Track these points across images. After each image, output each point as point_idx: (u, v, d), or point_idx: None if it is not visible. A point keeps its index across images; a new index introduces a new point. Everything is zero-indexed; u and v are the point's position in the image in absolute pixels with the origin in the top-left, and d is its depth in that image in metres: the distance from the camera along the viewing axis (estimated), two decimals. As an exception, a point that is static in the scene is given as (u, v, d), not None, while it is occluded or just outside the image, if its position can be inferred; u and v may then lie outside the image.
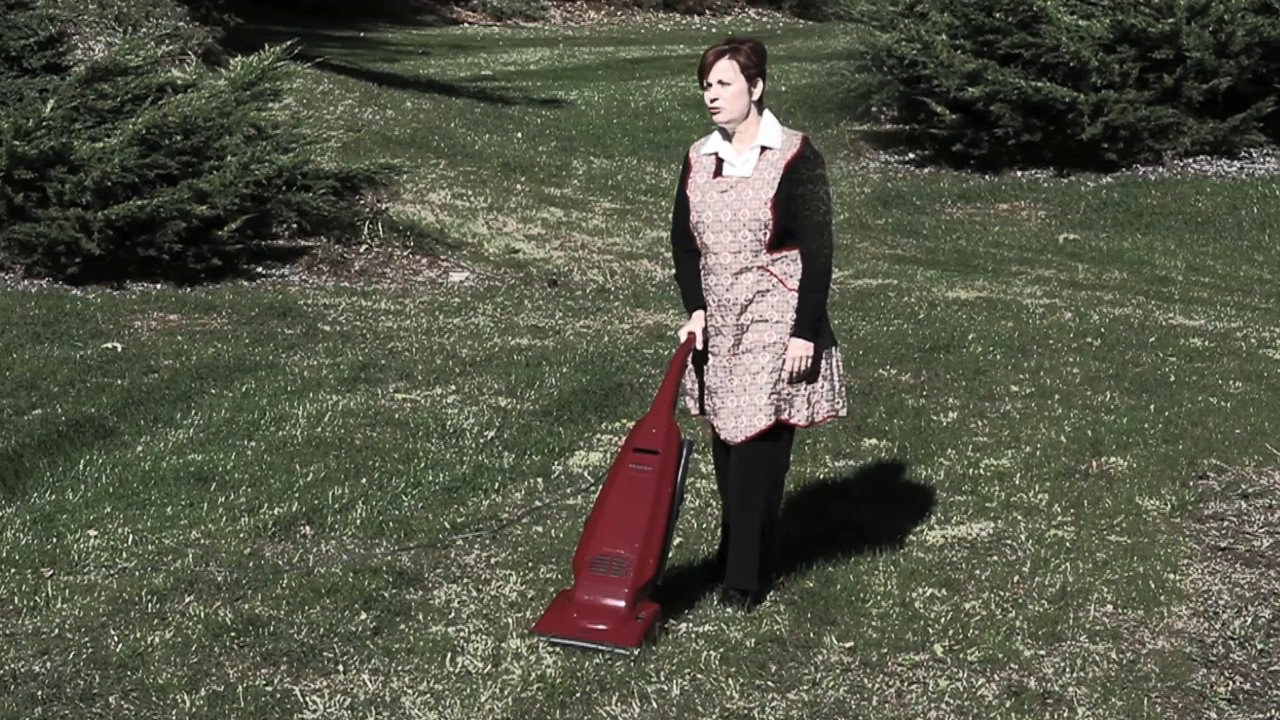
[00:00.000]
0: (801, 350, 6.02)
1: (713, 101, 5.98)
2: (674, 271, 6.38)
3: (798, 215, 5.96)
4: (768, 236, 5.98)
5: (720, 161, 6.08)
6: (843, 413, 6.26)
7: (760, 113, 6.04)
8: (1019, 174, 18.31)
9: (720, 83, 5.97)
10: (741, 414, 6.03)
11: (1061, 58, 17.80)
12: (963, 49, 18.29)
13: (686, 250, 6.17)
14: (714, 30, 33.35)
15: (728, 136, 6.07)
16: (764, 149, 6.01)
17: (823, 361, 6.11)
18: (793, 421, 6.09)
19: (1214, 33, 17.73)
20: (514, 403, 8.97)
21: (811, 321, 6.01)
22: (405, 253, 13.28)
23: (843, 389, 6.24)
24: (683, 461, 5.97)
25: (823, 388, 6.12)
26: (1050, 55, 17.86)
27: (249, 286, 11.99)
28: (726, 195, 6.01)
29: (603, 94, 23.58)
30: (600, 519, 5.88)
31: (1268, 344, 10.83)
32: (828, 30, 30.22)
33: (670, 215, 6.23)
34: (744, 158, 6.04)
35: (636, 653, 5.68)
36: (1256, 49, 17.86)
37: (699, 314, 6.13)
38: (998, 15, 18.19)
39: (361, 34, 29.71)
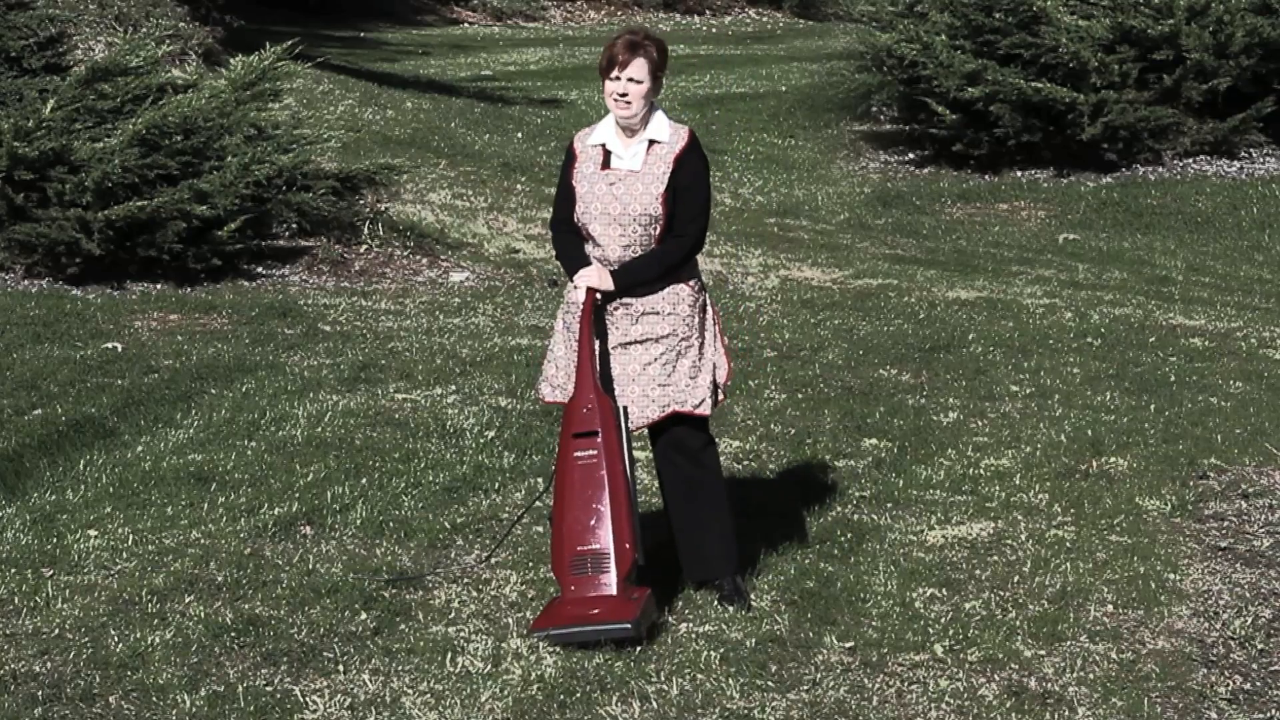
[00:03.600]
0: (598, 280, 5.96)
1: (622, 96, 5.99)
2: (554, 252, 6.28)
3: (679, 204, 5.97)
4: (658, 230, 5.99)
5: (608, 153, 6.07)
6: (708, 407, 6.12)
7: (653, 109, 6.06)
8: (1019, 174, 18.31)
9: (632, 80, 5.98)
10: (632, 404, 6.01)
11: (1061, 58, 17.80)
12: (963, 49, 18.29)
13: (570, 233, 6.12)
14: (714, 30, 33.35)
15: (619, 129, 6.06)
16: (652, 143, 6.02)
17: (701, 348, 6.05)
18: (698, 413, 6.04)
19: (1214, 33, 17.73)
20: (514, 403, 8.97)
21: (632, 276, 5.97)
22: (405, 253, 13.27)
23: (713, 377, 6.12)
24: (622, 428, 5.95)
25: (705, 372, 6.05)
26: (1050, 55, 17.86)
27: (249, 286, 11.99)
28: (615, 188, 6.00)
29: (603, 94, 23.55)
30: (564, 518, 5.89)
31: (1268, 344, 10.83)
32: (828, 30, 30.20)
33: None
34: (632, 151, 6.04)
35: (640, 644, 5.68)
36: (1256, 49, 17.86)
37: (589, 269, 6.02)
38: (998, 15, 18.19)
39: (361, 34, 29.70)
